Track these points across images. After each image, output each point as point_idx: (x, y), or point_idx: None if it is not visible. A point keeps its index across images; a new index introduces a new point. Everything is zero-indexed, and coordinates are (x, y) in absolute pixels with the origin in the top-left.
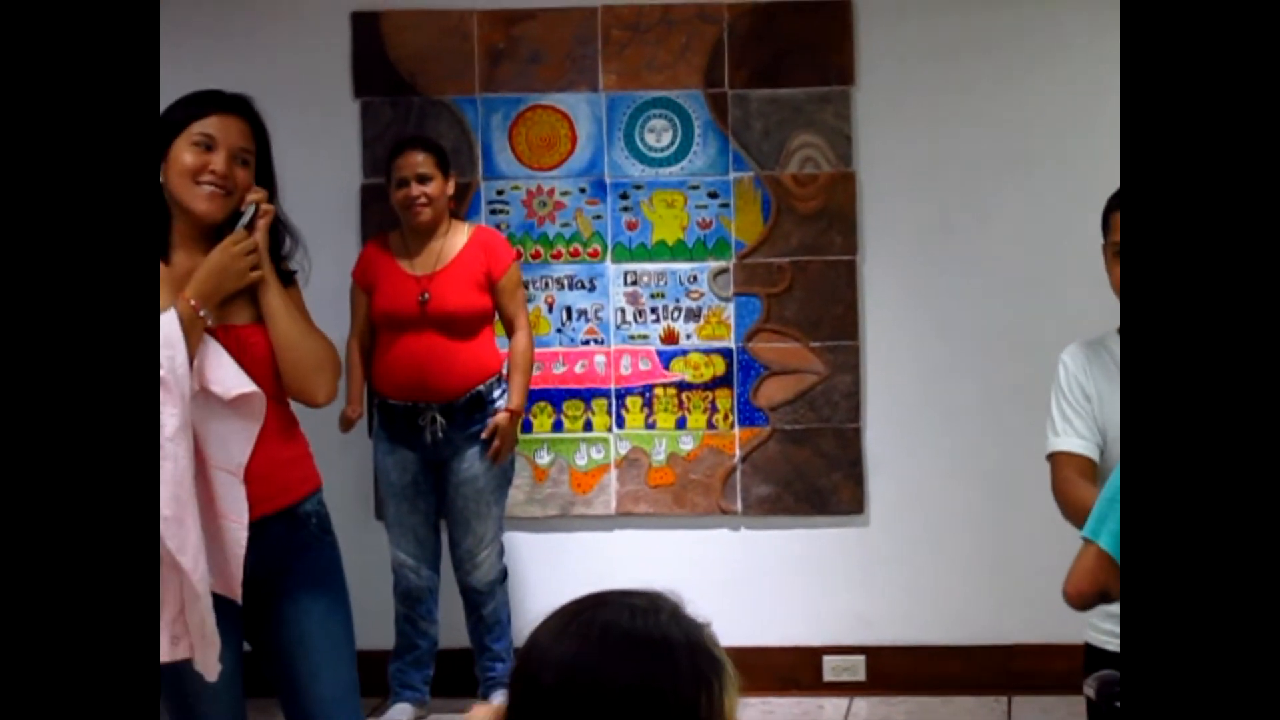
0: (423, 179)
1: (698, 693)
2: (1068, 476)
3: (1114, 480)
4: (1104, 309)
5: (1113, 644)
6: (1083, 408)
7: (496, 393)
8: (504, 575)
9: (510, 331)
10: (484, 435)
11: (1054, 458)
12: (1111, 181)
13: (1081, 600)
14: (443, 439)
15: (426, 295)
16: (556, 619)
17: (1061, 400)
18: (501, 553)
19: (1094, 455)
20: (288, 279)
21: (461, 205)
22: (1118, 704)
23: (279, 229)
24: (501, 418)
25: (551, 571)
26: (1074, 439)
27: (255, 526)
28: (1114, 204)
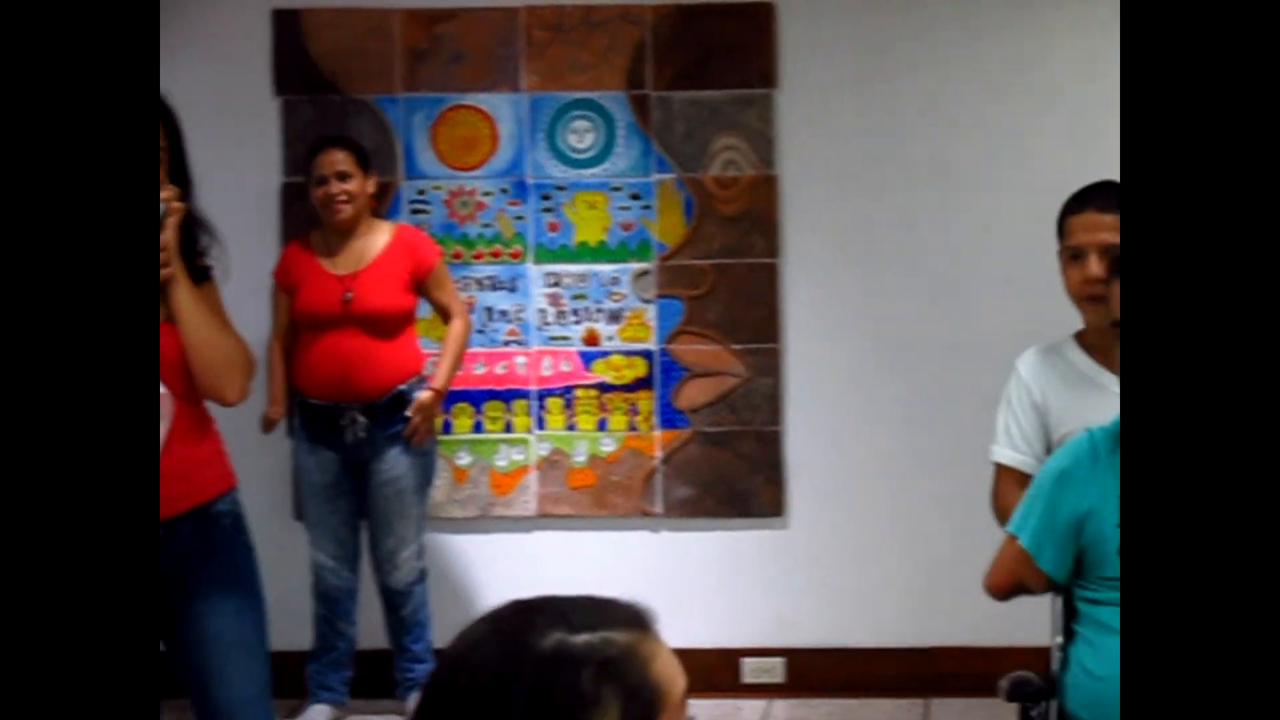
0: (343, 177)
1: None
2: (1005, 489)
3: (1039, 478)
4: (1024, 312)
5: None
6: (1028, 419)
7: (418, 392)
8: (424, 576)
9: (447, 320)
10: (408, 413)
11: (995, 465)
12: (1033, 183)
13: (999, 593)
14: (364, 439)
15: (349, 295)
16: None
17: (1009, 409)
18: (422, 553)
19: (1032, 469)
20: (202, 276)
21: (382, 205)
22: (1029, 708)
23: (192, 227)
24: (424, 395)
25: (471, 573)
26: (1013, 452)
27: (167, 526)
28: (1068, 209)
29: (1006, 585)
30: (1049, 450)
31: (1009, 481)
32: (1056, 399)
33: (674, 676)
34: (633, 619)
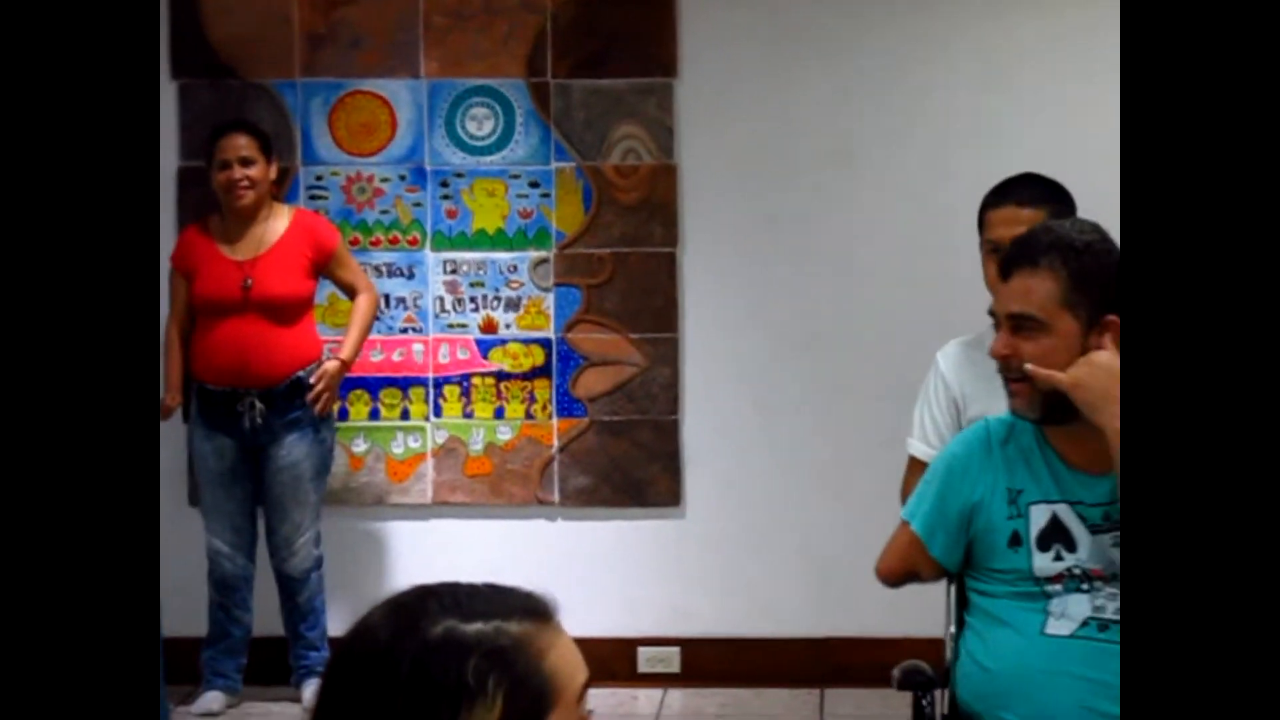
0: (245, 162)
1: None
2: (913, 481)
3: (934, 464)
4: (923, 304)
5: None
6: (944, 413)
7: (326, 362)
8: (320, 563)
9: (353, 297)
10: (311, 379)
11: (909, 457)
12: (935, 175)
13: (891, 578)
14: (261, 425)
15: (249, 281)
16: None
17: (926, 402)
18: (319, 540)
19: None
20: None
21: (280, 191)
22: (920, 696)
23: None
24: (330, 364)
25: (367, 560)
26: (927, 446)
27: None
28: (989, 202)
29: (898, 571)
30: None
31: (919, 474)
32: (974, 392)
33: (570, 671)
34: (532, 609)
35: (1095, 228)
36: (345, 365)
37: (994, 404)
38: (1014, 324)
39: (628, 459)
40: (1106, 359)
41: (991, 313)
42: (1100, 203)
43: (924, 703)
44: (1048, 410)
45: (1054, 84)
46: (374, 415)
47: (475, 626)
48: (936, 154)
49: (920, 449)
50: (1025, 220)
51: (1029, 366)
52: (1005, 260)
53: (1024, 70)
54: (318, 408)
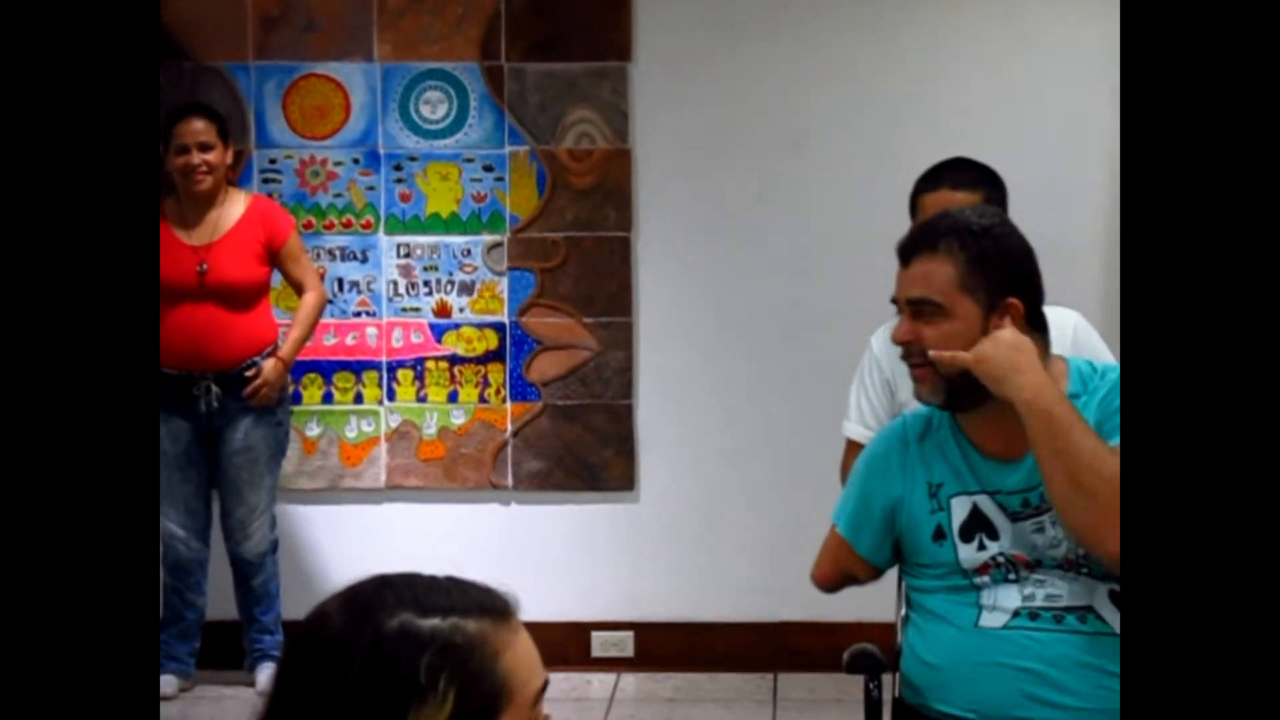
0: (204, 147)
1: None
2: (850, 463)
3: (856, 464)
4: (877, 288)
5: None
6: (878, 396)
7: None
8: (275, 546)
9: (300, 293)
10: (249, 374)
11: (846, 440)
12: (888, 159)
13: (827, 584)
14: (217, 408)
15: (204, 266)
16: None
17: (861, 385)
18: (273, 524)
19: None
20: None
21: (234, 174)
22: (869, 679)
23: None
24: (268, 364)
25: (320, 545)
26: (863, 428)
27: None
28: (921, 186)
29: (832, 576)
30: None
31: (855, 456)
32: (905, 375)
33: (526, 674)
34: (490, 607)
35: (996, 213)
36: (284, 365)
37: None
38: (914, 309)
39: (581, 443)
40: (1010, 334)
41: (894, 300)
42: (1043, 188)
43: (871, 686)
44: (951, 395)
45: (1001, 70)
46: (327, 399)
47: (431, 622)
48: (889, 138)
49: (857, 431)
50: (960, 203)
51: (932, 351)
52: (904, 246)
53: (972, 56)
54: (255, 400)
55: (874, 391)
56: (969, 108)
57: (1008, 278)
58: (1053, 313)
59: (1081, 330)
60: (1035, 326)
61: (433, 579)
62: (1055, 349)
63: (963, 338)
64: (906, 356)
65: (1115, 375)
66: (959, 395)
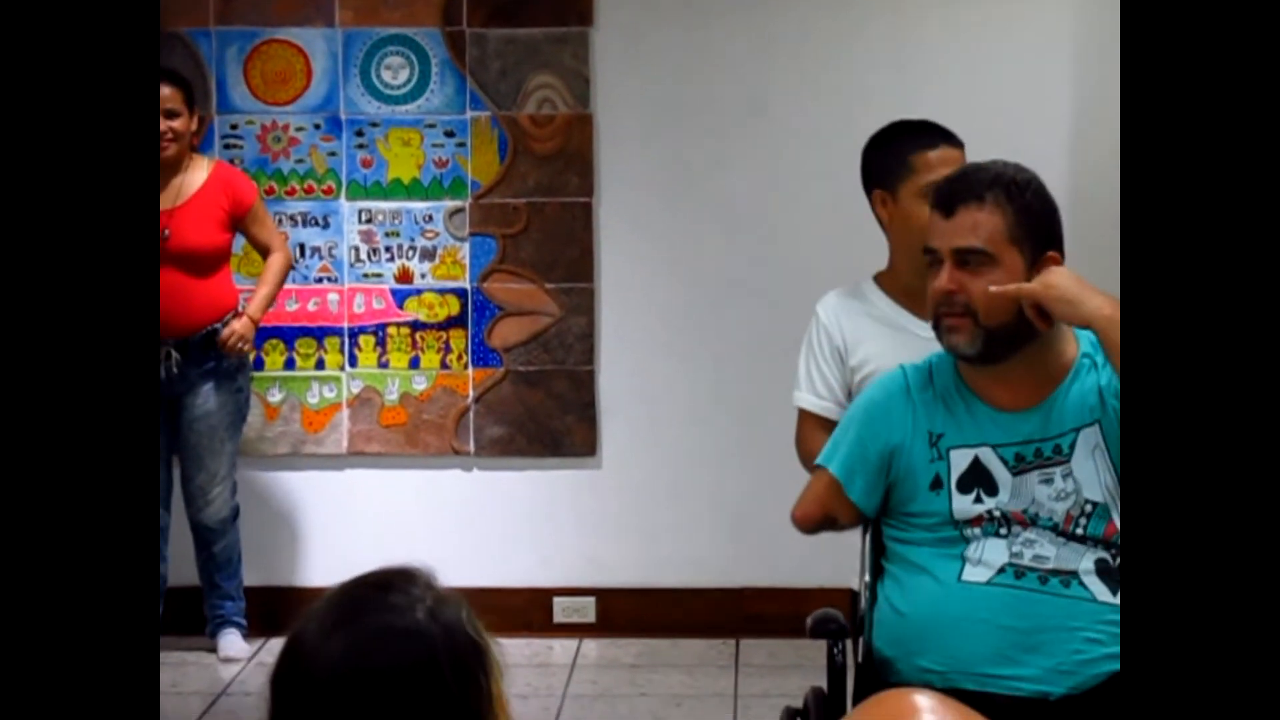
0: (170, 114)
1: (465, 688)
2: (808, 434)
3: (852, 409)
4: (839, 255)
5: None
6: (828, 364)
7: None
8: (236, 513)
9: (266, 255)
10: (221, 334)
11: (799, 410)
12: (851, 126)
13: (807, 524)
14: (178, 375)
15: (166, 232)
16: (320, 614)
17: (810, 353)
18: (234, 490)
19: (834, 414)
20: None
21: (196, 139)
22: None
23: None
24: (237, 323)
25: (282, 510)
26: (814, 398)
27: None
28: (918, 145)
29: (815, 516)
30: (850, 395)
31: (811, 426)
32: (857, 341)
33: None
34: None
35: (1026, 168)
36: (253, 322)
37: (875, 349)
38: (959, 259)
39: (543, 409)
40: (1063, 268)
41: (929, 250)
42: (1003, 150)
43: (835, 651)
44: (989, 346)
45: (963, 35)
46: (289, 365)
47: (441, 588)
48: (851, 104)
49: (808, 400)
50: (957, 160)
51: (994, 287)
52: (945, 196)
53: (933, 21)
54: (227, 349)
55: (824, 360)
56: (930, 73)
57: (1048, 232)
58: None
59: None
60: None
61: (392, 570)
62: None
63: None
64: (945, 306)
65: None
66: (995, 345)
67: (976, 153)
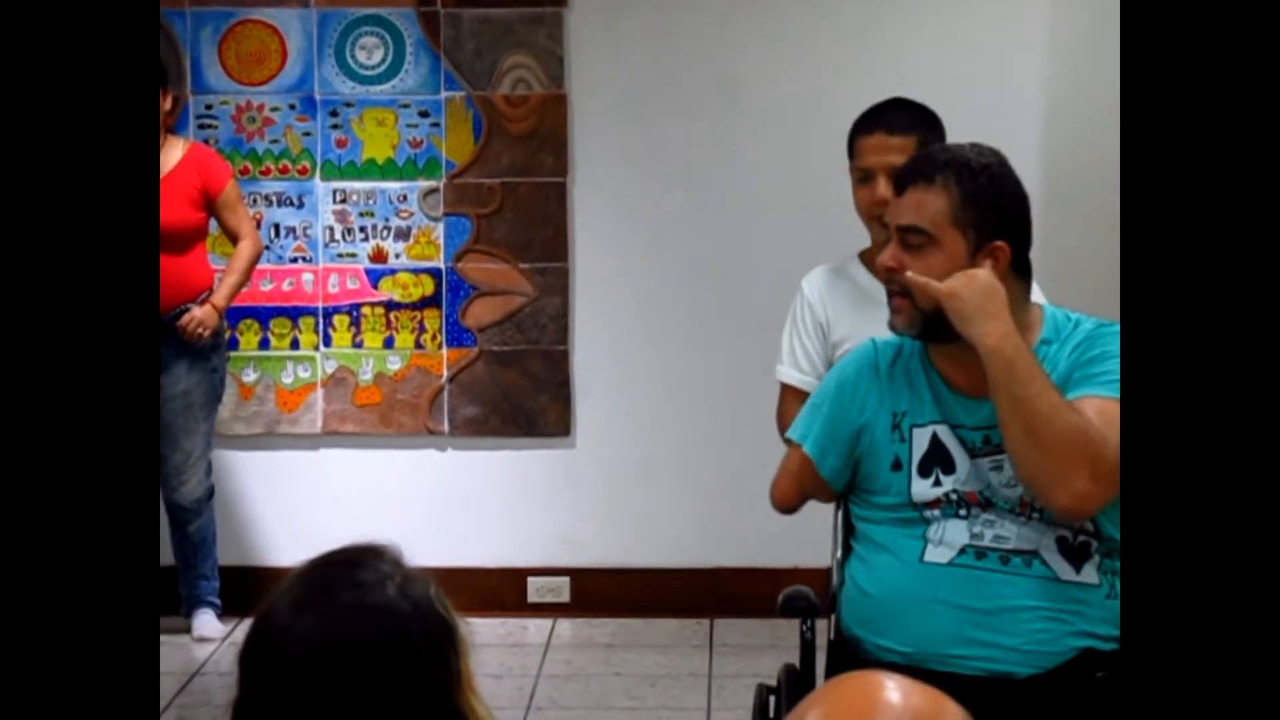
0: None
1: (436, 666)
2: (789, 408)
3: (823, 385)
4: (812, 233)
5: None
6: (811, 339)
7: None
8: (211, 493)
9: (235, 242)
10: (181, 322)
11: (781, 384)
12: (824, 104)
13: (786, 506)
14: None
15: None
16: (290, 592)
17: (793, 328)
18: (209, 470)
19: (814, 389)
20: None
21: (171, 120)
22: (802, 621)
23: None
24: (199, 311)
25: (257, 490)
26: (796, 372)
27: None
28: (858, 129)
29: (794, 495)
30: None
31: (793, 401)
32: (839, 317)
33: None
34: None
35: (995, 153)
36: (217, 311)
37: (857, 328)
38: (903, 237)
39: (517, 389)
40: (987, 276)
41: (885, 226)
42: (974, 132)
43: (805, 628)
44: (926, 328)
45: (935, 16)
46: (264, 345)
47: (399, 576)
48: (825, 84)
49: (792, 375)
50: (895, 147)
51: (909, 273)
52: (901, 174)
53: (906, 1)
54: (187, 334)
55: (807, 335)
56: (903, 53)
57: (999, 219)
58: None
59: None
60: (1020, 272)
61: (358, 548)
62: None
63: (946, 273)
64: (888, 284)
65: (1090, 326)
66: (933, 329)
67: (947, 129)
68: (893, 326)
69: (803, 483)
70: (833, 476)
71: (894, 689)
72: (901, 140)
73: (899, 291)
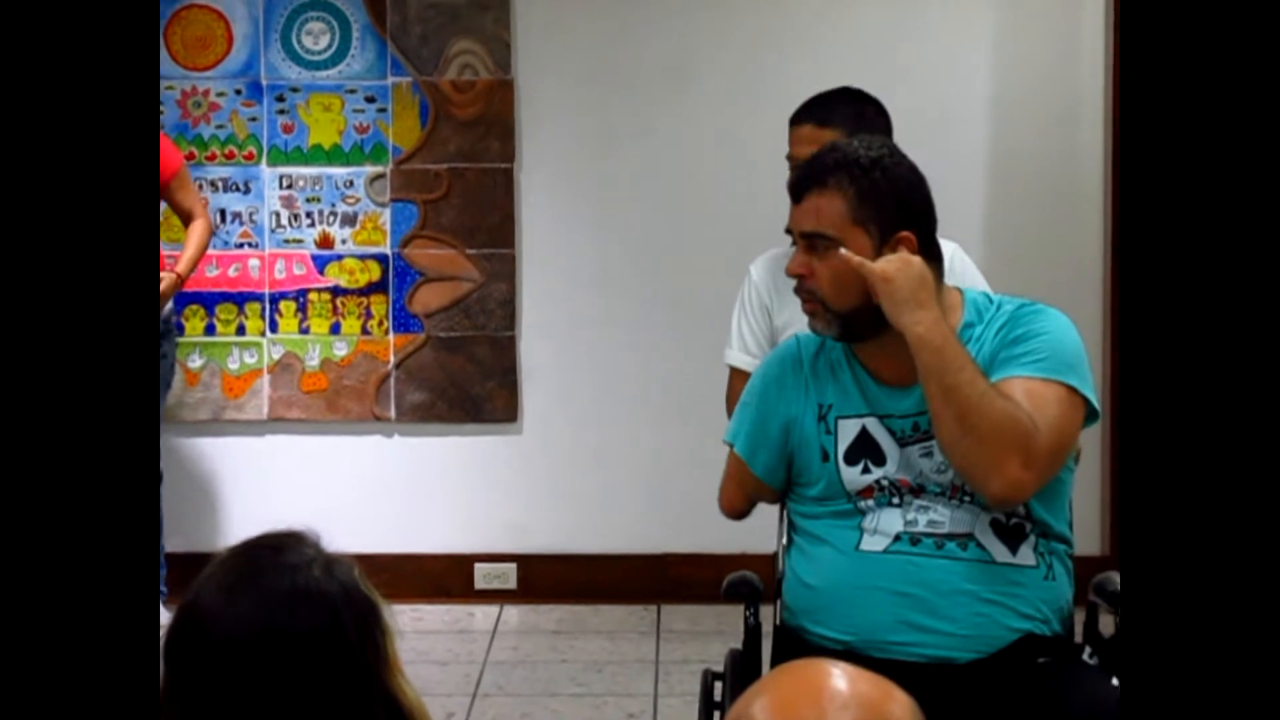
0: None
1: (365, 647)
2: (736, 391)
3: (750, 384)
4: (760, 219)
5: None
6: (758, 322)
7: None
8: (159, 479)
9: (188, 223)
10: None
11: (729, 367)
12: (771, 90)
13: (734, 510)
14: None
15: None
16: (215, 578)
17: (741, 312)
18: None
19: None
20: None
21: None
22: (746, 606)
23: None
24: (164, 279)
25: (204, 476)
26: (745, 355)
27: None
28: (792, 119)
29: (739, 499)
30: None
31: (741, 383)
32: (783, 302)
33: None
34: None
35: (884, 143)
36: (179, 279)
37: (799, 311)
38: (808, 243)
39: (464, 375)
40: (920, 264)
41: (788, 230)
42: (924, 119)
43: (748, 613)
44: (845, 328)
45: (884, 4)
46: (210, 331)
47: (329, 550)
48: (772, 69)
49: (739, 359)
50: (821, 140)
51: (843, 251)
52: (795, 181)
53: None
54: None
55: (754, 318)
56: (852, 41)
57: (898, 210)
58: None
59: (958, 261)
60: (929, 256)
61: (284, 533)
62: None
63: (855, 271)
64: (799, 290)
65: (1011, 307)
66: (852, 328)
67: (896, 118)
68: (814, 330)
69: (743, 485)
70: (766, 474)
71: (840, 676)
72: (830, 134)
73: (810, 297)
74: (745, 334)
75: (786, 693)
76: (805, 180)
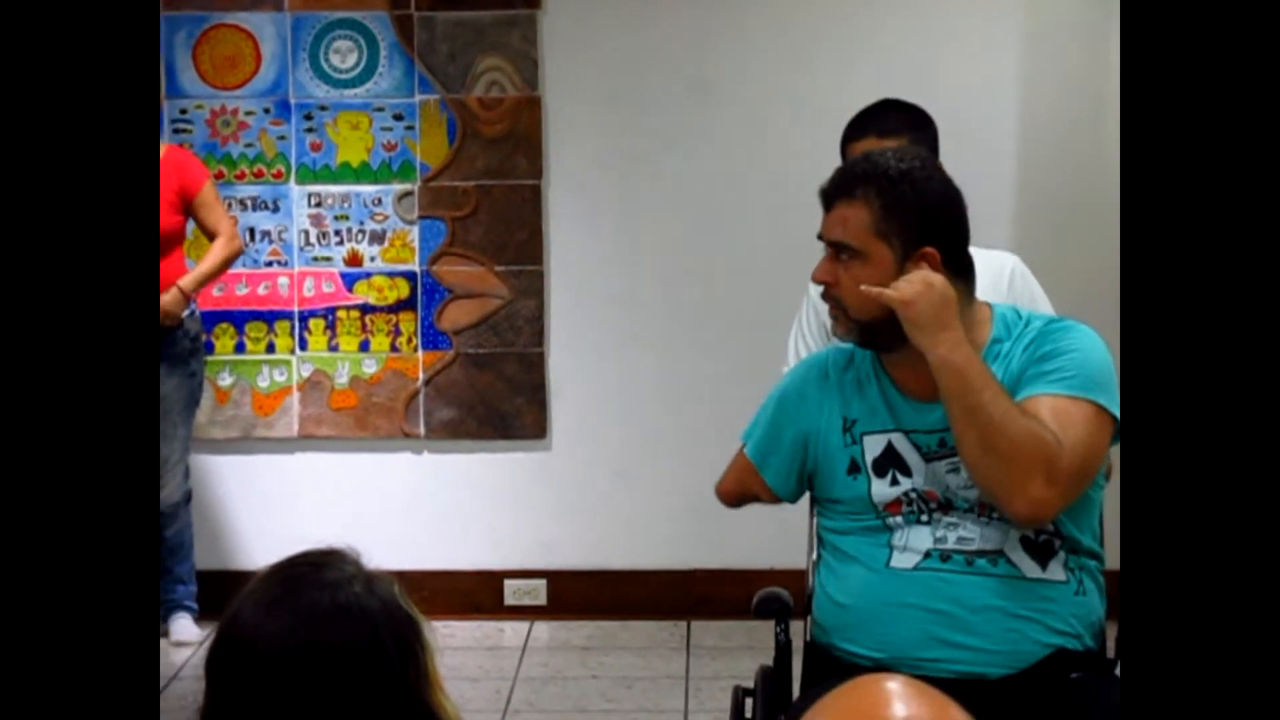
0: None
1: (406, 663)
2: None
3: (773, 389)
4: (786, 232)
5: None
6: (815, 338)
7: (185, 312)
8: (189, 497)
9: (213, 239)
10: None
11: None
12: (796, 104)
13: (728, 499)
14: None
15: None
16: (257, 594)
17: (798, 330)
18: (187, 474)
19: None
20: None
21: None
22: (776, 623)
23: None
24: (164, 296)
25: (234, 494)
26: None
27: None
28: (849, 134)
29: (734, 493)
30: None
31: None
32: None
33: None
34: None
35: (917, 155)
36: (182, 294)
37: None
38: (834, 251)
39: (493, 392)
40: (943, 284)
41: (820, 236)
42: (954, 130)
43: (779, 629)
44: (865, 336)
45: (911, 11)
46: (239, 349)
47: (363, 576)
48: (799, 83)
49: None
50: None
51: (863, 287)
52: (826, 190)
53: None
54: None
55: (811, 337)
56: (877, 52)
57: (923, 225)
58: (989, 256)
59: (1019, 275)
60: (957, 272)
61: (321, 552)
62: (990, 294)
63: (876, 284)
64: (825, 296)
65: (1040, 323)
66: (872, 337)
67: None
68: (836, 334)
69: (743, 483)
70: (777, 482)
71: (899, 701)
72: (893, 143)
73: (834, 304)
74: (801, 352)
75: (846, 718)
76: (836, 189)
